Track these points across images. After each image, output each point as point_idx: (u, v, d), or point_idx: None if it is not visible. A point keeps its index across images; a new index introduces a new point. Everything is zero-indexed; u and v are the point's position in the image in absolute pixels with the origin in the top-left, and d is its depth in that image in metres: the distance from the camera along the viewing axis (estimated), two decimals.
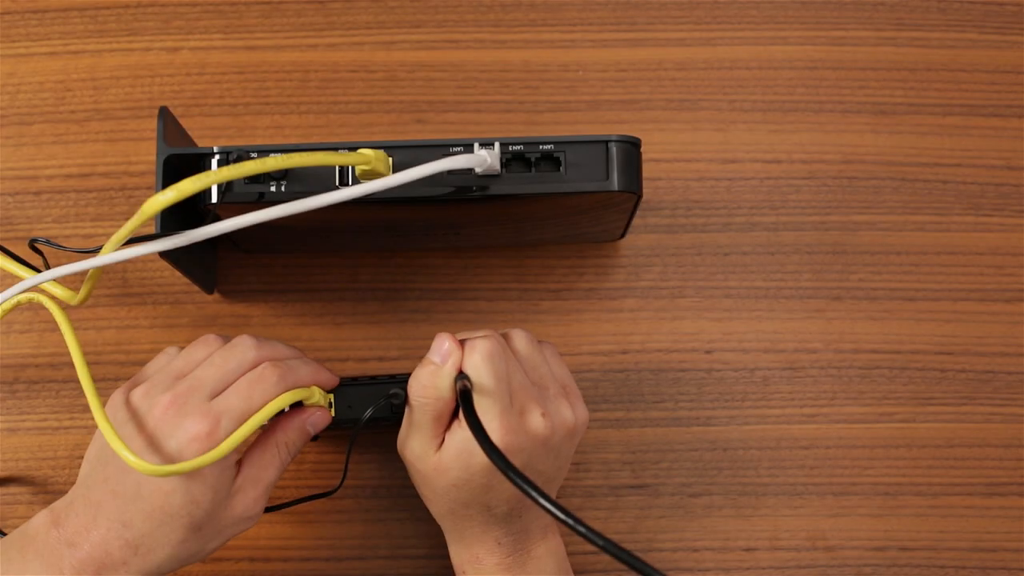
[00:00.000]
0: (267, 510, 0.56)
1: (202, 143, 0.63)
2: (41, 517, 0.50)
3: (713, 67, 0.65)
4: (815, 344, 0.63)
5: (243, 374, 0.51)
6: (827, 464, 0.62)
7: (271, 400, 0.50)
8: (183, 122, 0.64)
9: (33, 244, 0.58)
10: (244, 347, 0.52)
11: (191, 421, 0.48)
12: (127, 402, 0.50)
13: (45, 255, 0.59)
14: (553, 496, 0.56)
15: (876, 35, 0.66)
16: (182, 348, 0.53)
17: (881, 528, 0.62)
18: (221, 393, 0.50)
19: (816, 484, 0.62)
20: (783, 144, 0.65)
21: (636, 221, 0.63)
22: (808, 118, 0.65)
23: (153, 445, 0.48)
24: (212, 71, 0.65)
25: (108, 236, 0.62)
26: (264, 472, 0.51)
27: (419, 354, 0.53)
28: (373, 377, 0.54)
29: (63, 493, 0.60)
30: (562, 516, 0.43)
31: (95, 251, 0.54)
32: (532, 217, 0.57)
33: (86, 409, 0.61)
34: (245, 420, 0.49)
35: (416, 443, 0.53)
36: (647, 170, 0.64)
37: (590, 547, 0.44)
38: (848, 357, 0.63)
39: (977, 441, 0.63)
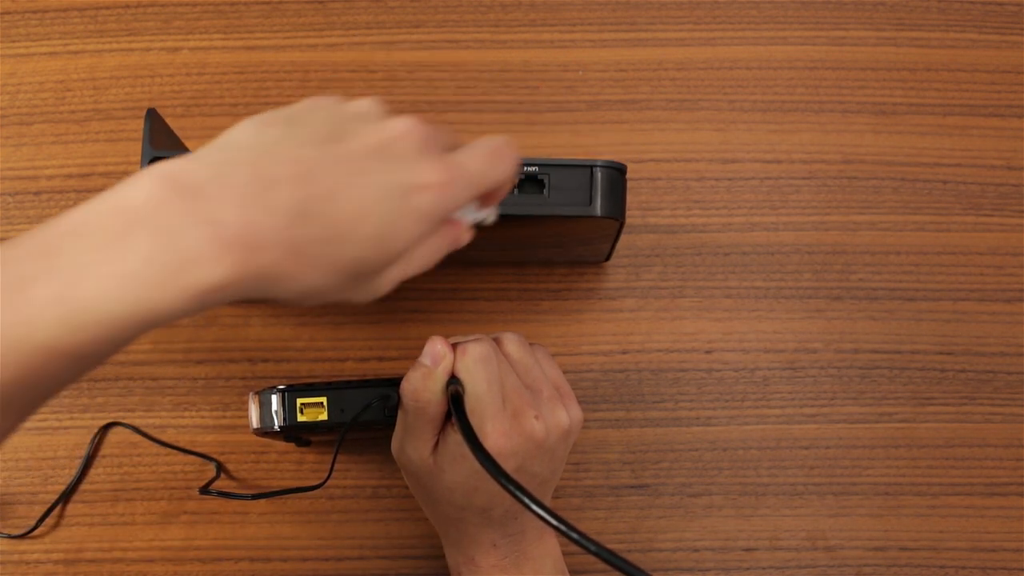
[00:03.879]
0: (253, 497, 0.56)
1: (202, 143, 0.63)
2: (150, 187, 0.35)
3: (713, 67, 0.65)
4: (815, 344, 0.63)
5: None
6: (827, 464, 0.62)
7: (502, 183, 0.42)
8: (183, 122, 0.64)
9: None
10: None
11: (429, 165, 0.39)
12: (335, 104, 0.40)
13: None
14: (549, 497, 0.56)
15: (876, 35, 0.66)
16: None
17: (881, 528, 0.62)
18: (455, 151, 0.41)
19: (816, 484, 0.62)
20: (783, 144, 0.65)
21: (636, 221, 0.63)
22: (808, 118, 0.65)
23: (370, 168, 0.38)
24: (212, 71, 0.65)
25: None
26: (411, 263, 0.42)
27: (418, 354, 0.53)
28: (367, 380, 0.54)
29: (63, 493, 0.60)
30: (555, 522, 0.43)
31: None
32: (513, 238, 0.57)
33: (86, 409, 0.61)
34: (474, 192, 0.41)
35: (410, 446, 0.53)
36: (647, 170, 0.64)
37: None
38: (848, 357, 0.63)
39: (977, 441, 0.63)
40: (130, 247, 0.34)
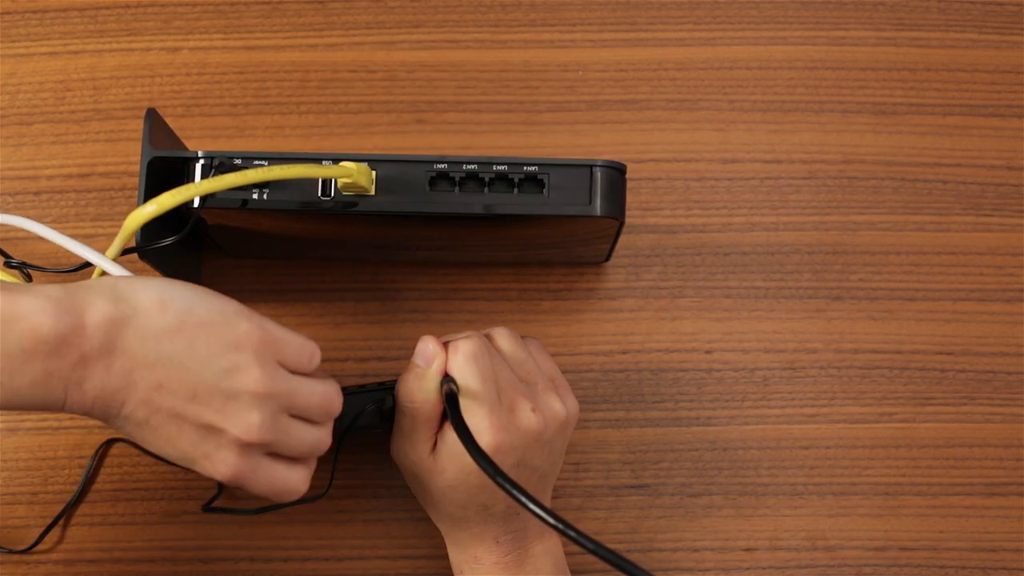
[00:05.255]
0: (254, 512, 0.57)
1: (202, 143, 0.63)
2: (59, 339, 0.42)
3: (713, 67, 0.65)
4: (815, 344, 0.63)
5: (307, 444, 0.48)
6: (827, 464, 0.62)
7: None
8: (183, 122, 0.64)
9: (10, 264, 0.57)
10: (326, 428, 0.50)
11: (229, 460, 0.45)
12: (247, 335, 0.45)
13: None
14: (549, 491, 0.56)
15: (876, 35, 0.66)
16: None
17: (881, 528, 0.62)
18: (277, 449, 0.47)
19: (816, 484, 0.62)
20: (783, 144, 0.65)
21: (636, 221, 0.63)
22: (808, 118, 0.65)
23: (188, 432, 0.45)
24: (212, 71, 0.65)
25: (108, 236, 0.62)
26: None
27: None
28: (362, 386, 0.54)
29: (63, 493, 0.60)
30: (552, 521, 0.43)
31: (73, 271, 0.56)
32: (513, 238, 0.57)
33: None
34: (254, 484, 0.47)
35: (409, 447, 0.53)
36: (647, 170, 0.64)
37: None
38: (848, 357, 0.63)
39: (977, 441, 0.63)
40: (28, 367, 0.41)
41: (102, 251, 0.50)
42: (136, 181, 0.63)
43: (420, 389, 0.51)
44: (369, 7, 0.65)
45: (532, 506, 0.44)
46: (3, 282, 0.43)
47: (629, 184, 0.53)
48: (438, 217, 0.51)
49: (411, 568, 0.61)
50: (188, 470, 0.60)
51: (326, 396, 0.48)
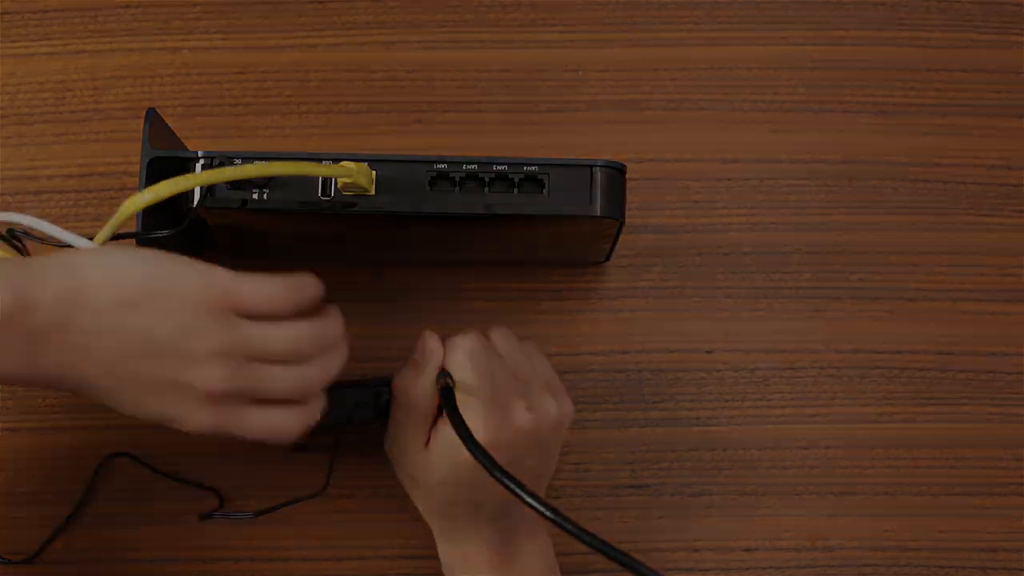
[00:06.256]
0: (255, 515, 0.57)
1: (202, 143, 0.63)
2: (3, 316, 0.41)
3: (713, 67, 0.65)
4: (815, 344, 0.63)
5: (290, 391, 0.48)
6: (827, 464, 0.62)
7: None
8: (183, 122, 0.64)
9: (13, 234, 0.57)
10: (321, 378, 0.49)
11: (199, 417, 0.45)
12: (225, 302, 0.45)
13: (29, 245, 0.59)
14: (542, 493, 0.56)
15: (876, 35, 0.66)
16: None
17: (881, 528, 0.62)
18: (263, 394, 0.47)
19: (816, 484, 0.62)
20: (783, 144, 0.65)
21: (636, 221, 0.63)
22: (808, 118, 0.65)
23: (159, 393, 0.45)
24: (212, 71, 0.65)
25: None
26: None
27: None
28: (359, 380, 0.54)
29: (63, 494, 0.60)
30: (549, 514, 0.43)
31: None
32: (513, 238, 0.57)
33: (86, 409, 0.61)
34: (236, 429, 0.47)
35: (403, 442, 0.53)
36: (647, 170, 0.64)
37: (583, 548, 0.44)
38: (848, 357, 0.63)
39: (977, 441, 0.62)
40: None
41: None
42: (136, 181, 0.63)
43: (416, 384, 0.51)
44: (369, 7, 0.65)
45: (527, 498, 0.44)
46: None
47: (629, 184, 0.53)
48: (438, 217, 0.51)
49: (411, 568, 0.61)
50: (185, 481, 0.60)
51: (289, 340, 0.47)
